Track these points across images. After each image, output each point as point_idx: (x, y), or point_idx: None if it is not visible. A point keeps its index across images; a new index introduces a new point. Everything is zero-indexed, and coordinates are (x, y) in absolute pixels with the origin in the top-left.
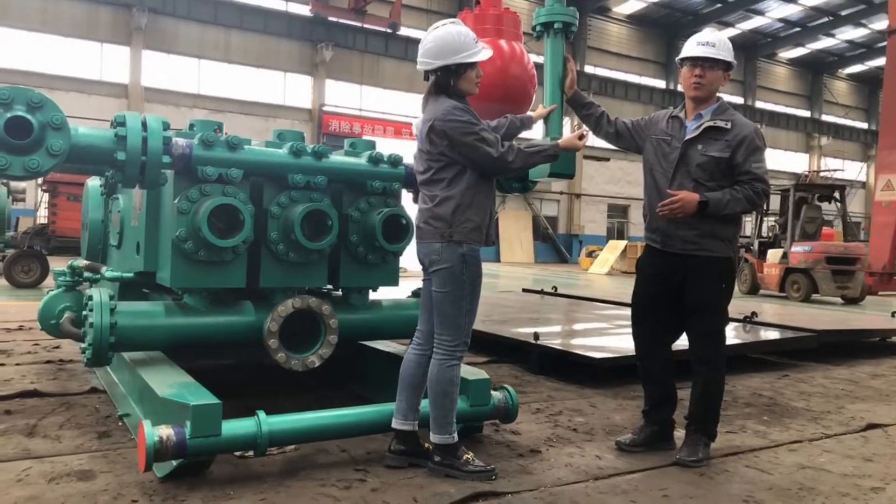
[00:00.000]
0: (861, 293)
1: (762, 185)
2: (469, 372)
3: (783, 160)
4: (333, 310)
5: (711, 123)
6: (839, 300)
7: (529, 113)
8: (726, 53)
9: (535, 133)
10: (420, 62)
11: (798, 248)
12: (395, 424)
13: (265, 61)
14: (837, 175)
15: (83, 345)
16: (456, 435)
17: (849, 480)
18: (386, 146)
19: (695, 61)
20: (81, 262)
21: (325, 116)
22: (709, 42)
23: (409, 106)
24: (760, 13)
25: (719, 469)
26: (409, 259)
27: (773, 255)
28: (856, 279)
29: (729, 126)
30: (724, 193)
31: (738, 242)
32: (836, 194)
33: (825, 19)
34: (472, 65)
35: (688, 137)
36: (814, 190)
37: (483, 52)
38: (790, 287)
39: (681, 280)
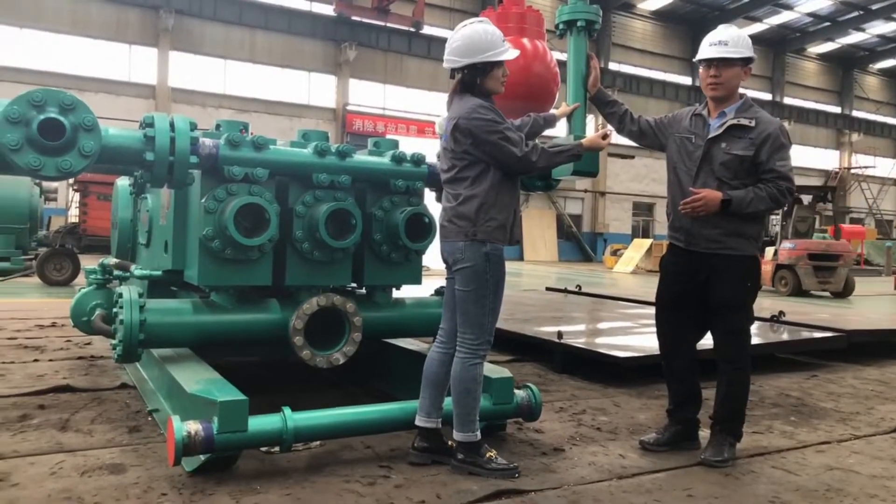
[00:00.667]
0: (845, 288)
1: (787, 183)
2: (492, 370)
3: (813, 157)
4: (357, 308)
5: (735, 121)
6: (827, 295)
7: (553, 111)
8: (741, 49)
9: (559, 131)
10: (447, 60)
11: (785, 246)
12: (418, 422)
13: (290, 61)
14: (869, 172)
15: (114, 341)
16: (479, 433)
17: (877, 482)
18: (409, 145)
19: (709, 62)
20: (111, 260)
21: (349, 116)
22: (721, 41)
23: (432, 104)
24: (789, 7)
25: (745, 469)
26: (432, 257)
27: (768, 252)
28: (838, 275)
29: (753, 124)
30: (748, 192)
31: (762, 241)
32: (829, 195)
33: (855, 13)
34: (499, 63)
35: (711, 135)
36: (806, 191)
37: (510, 52)
38: (778, 282)
39: (705, 279)
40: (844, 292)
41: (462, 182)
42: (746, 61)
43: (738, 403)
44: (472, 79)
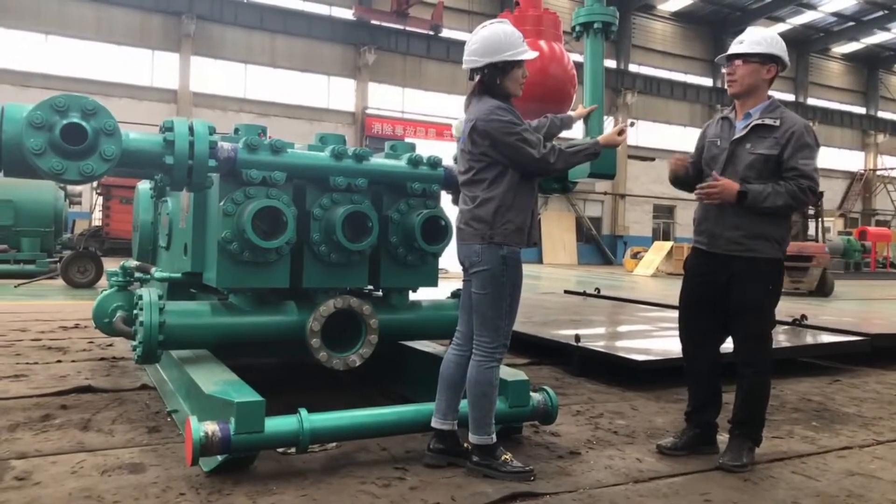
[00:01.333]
0: (822, 287)
1: (808, 181)
2: (508, 373)
3: (837, 159)
4: (374, 310)
5: (760, 121)
6: (805, 293)
7: (570, 112)
8: (757, 46)
9: (576, 133)
10: (466, 60)
11: None
12: (434, 424)
13: (309, 65)
14: (895, 174)
15: (134, 343)
16: (494, 436)
17: None
18: (428, 148)
19: (727, 59)
20: (132, 262)
21: (368, 119)
22: (739, 39)
23: (451, 107)
24: (812, 7)
25: (764, 475)
26: (450, 260)
27: None
28: (810, 275)
29: (778, 123)
30: (766, 186)
31: (787, 244)
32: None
33: (881, 13)
34: (519, 64)
35: (736, 136)
36: None
37: (529, 52)
38: None
39: (726, 281)
40: (821, 291)
41: (479, 184)
42: (766, 59)
43: (757, 408)
44: (492, 79)
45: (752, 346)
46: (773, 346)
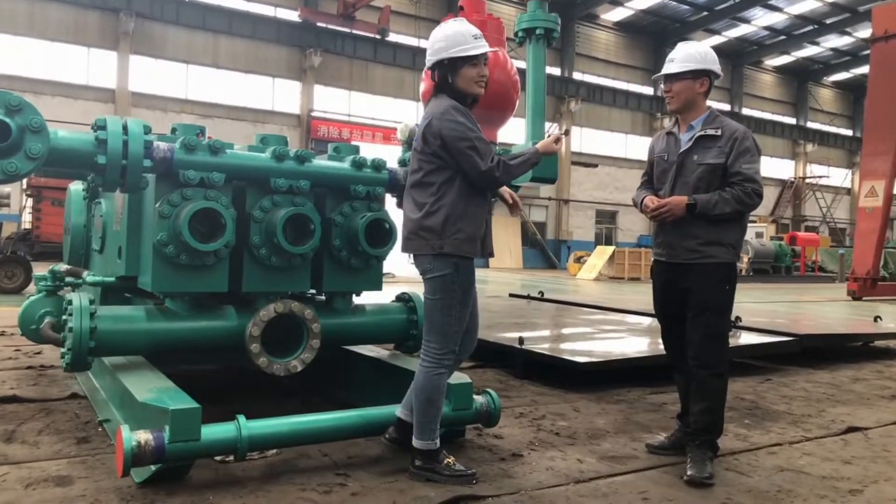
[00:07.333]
0: None
1: (752, 185)
2: (452, 376)
3: (770, 166)
4: (316, 314)
5: (703, 132)
6: None
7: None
8: (688, 64)
9: (518, 139)
10: (426, 61)
11: None
12: (399, 413)
13: (254, 66)
14: (823, 181)
15: (63, 349)
16: (438, 441)
17: (827, 483)
18: (375, 152)
19: (664, 79)
20: (62, 266)
21: (314, 122)
22: (671, 58)
23: (397, 111)
24: (746, 21)
25: None
26: (398, 265)
27: None
28: None
29: (720, 133)
30: (713, 195)
31: (741, 247)
32: None
33: (810, 27)
34: (468, 61)
35: (682, 149)
36: None
37: (477, 49)
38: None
39: (687, 288)
40: None
41: (428, 188)
42: (697, 74)
43: (716, 415)
44: (444, 77)
45: (710, 346)
46: None
